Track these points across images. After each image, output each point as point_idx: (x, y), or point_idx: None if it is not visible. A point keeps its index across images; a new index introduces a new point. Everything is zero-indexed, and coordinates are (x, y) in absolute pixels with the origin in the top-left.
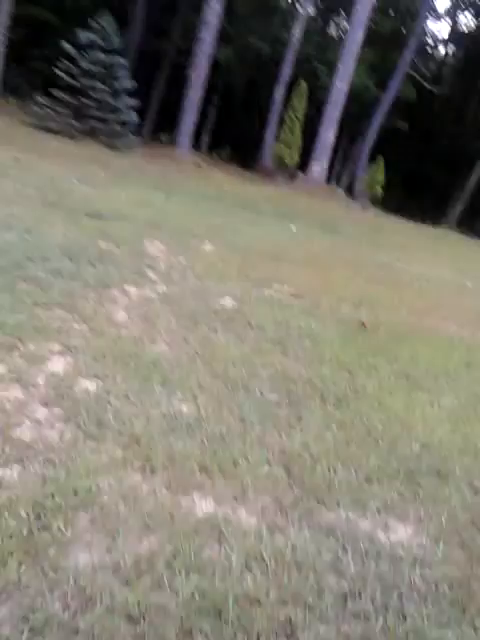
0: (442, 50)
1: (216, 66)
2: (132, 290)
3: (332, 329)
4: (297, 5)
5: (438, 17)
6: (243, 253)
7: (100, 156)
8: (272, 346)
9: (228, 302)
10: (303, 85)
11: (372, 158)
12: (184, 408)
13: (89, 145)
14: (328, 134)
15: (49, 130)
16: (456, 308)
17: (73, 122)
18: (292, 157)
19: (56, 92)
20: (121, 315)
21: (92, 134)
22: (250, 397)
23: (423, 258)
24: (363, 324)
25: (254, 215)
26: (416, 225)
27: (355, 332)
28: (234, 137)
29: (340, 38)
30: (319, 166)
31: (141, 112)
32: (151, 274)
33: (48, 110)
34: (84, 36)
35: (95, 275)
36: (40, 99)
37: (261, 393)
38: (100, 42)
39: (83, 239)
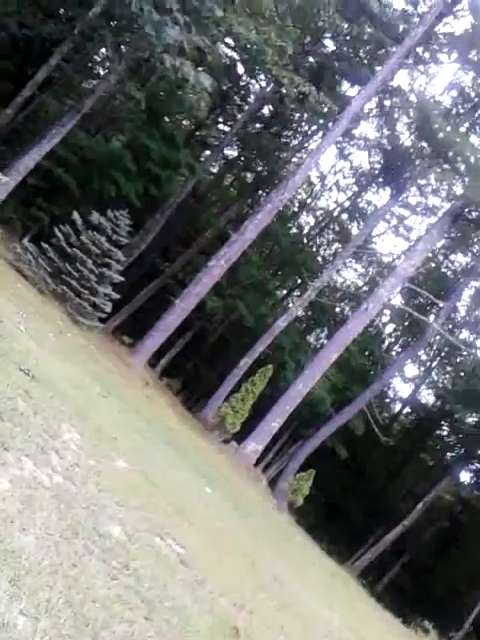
0: (398, 407)
1: (201, 307)
2: (28, 465)
3: (205, 618)
4: (290, 302)
5: (404, 380)
6: (152, 488)
7: (57, 320)
8: (139, 603)
9: (116, 531)
10: (269, 369)
11: (305, 467)
12: (20, 623)
13: (52, 305)
14: (274, 423)
15: (21, 273)
16: None
17: (47, 279)
18: (234, 424)
19: (45, 246)
20: (4, 485)
21: (61, 298)
22: None
23: (317, 590)
24: (237, 631)
25: (177, 457)
26: (321, 552)
27: (226, 634)
28: (189, 376)
29: (315, 348)
30: (254, 447)
31: (115, 306)
32: (54, 459)
33: (30, 256)
34: (96, 218)
35: None
36: (26, 243)
37: None
38: (108, 231)
39: (5, 390)
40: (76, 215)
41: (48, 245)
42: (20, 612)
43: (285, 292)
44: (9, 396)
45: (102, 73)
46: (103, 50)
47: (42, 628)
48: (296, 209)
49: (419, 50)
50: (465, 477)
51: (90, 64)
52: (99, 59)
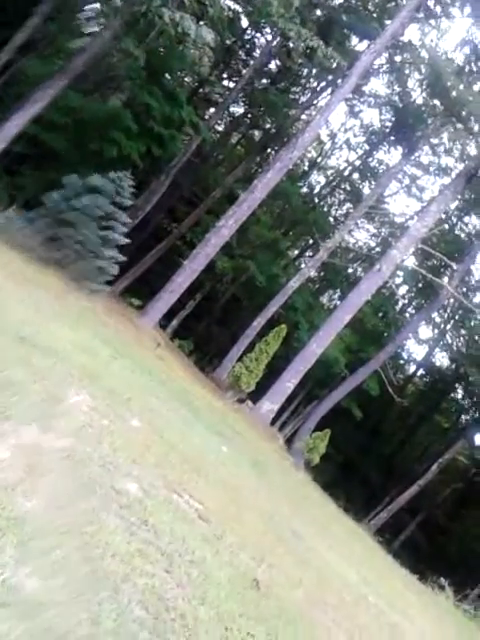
0: (412, 368)
1: (211, 267)
2: (31, 432)
3: (225, 571)
4: (303, 263)
5: (418, 342)
6: (168, 447)
7: (57, 287)
8: (160, 557)
9: (133, 488)
10: (283, 329)
11: (321, 426)
12: (29, 584)
13: (48, 272)
14: (289, 383)
15: (13, 242)
16: (348, 616)
17: (41, 246)
18: (249, 384)
19: (37, 213)
20: (3, 453)
21: (59, 264)
22: (115, 602)
23: (335, 546)
24: (257, 583)
25: (192, 416)
26: (338, 509)
27: (246, 587)
28: (201, 337)
29: (329, 308)
30: (269, 406)
31: (122, 269)
32: (61, 424)
33: (20, 224)
34: (98, 179)
35: None
36: (14, 211)
37: (129, 602)
38: (111, 192)
39: (3, 359)
40: (74, 178)
41: (39, 212)
42: (29, 574)
43: (297, 252)
44: (9, 365)
45: (89, 31)
46: (90, 6)
47: (54, 587)
48: (306, 168)
49: (430, 3)
50: None
51: (77, 22)
52: (86, 17)
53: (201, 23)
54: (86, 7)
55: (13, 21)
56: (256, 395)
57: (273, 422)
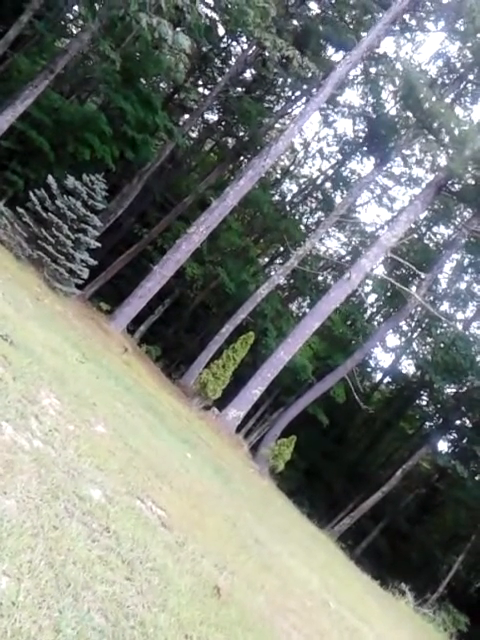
0: (379, 376)
1: (181, 274)
2: (8, 430)
3: (186, 578)
4: (273, 270)
5: (385, 350)
6: (132, 453)
7: (34, 287)
8: (121, 564)
9: (96, 494)
10: (250, 336)
11: (287, 433)
12: (3, 584)
13: (28, 271)
14: (255, 390)
15: None
16: (309, 621)
17: (23, 244)
18: (215, 390)
19: (21, 210)
20: None
21: (37, 264)
22: (75, 609)
23: (298, 552)
24: (218, 591)
25: (157, 423)
26: (302, 516)
27: (207, 594)
28: (169, 343)
29: (297, 316)
30: (235, 413)
31: (92, 272)
32: (34, 424)
33: (5, 221)
34: (71, 182)
35: None
36: (2, 207)
37: (88, 610)
38: (84, 195)
39: None
40: (51, 179)
41: (24, 210)
42: (3, 573)
43: (267, 260)
44: None
45: (76, 32)
46: (76, 7)
47: (25, 588)
48: (279, 176)
49: (406, 17)
50: (443, 446)
51: (63, 22)
52: (72, 17)
53: (178, 29)
54: (74, 7)
55: (6, 17)
56: (222, 402)
57: (239, 429)
